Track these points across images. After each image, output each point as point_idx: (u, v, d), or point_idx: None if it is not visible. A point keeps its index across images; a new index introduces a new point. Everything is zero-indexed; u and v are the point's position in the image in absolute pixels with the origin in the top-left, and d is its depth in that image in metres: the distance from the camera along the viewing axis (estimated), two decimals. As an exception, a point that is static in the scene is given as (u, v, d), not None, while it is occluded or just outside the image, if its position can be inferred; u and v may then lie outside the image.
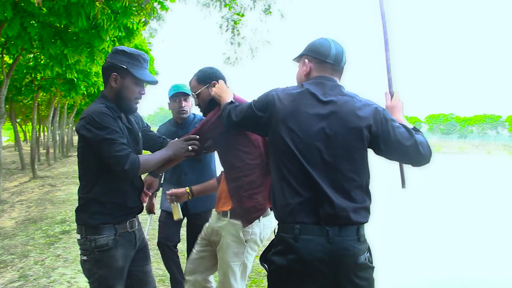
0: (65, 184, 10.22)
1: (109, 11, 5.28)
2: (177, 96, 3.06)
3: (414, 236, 8.60)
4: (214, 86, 2.27)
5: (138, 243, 2.15)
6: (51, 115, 15.73)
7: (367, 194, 1.72)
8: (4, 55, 7.57)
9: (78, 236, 2.02)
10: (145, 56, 2.08)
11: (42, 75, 10.60)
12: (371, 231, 1.83)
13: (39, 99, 14.61)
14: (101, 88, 12.27)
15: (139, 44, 17.96)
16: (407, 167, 1.95)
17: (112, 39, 6.53)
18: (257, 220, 2.19)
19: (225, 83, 2.33)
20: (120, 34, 6.36)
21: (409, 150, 1.72)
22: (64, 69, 7.31)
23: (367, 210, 1.69)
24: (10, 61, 8.18)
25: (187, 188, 2.59)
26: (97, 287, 1.99)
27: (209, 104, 2.29)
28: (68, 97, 13.08)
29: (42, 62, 9.04)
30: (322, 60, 1.80)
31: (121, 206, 2.03)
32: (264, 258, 1.77)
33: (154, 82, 2.08)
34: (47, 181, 10.78)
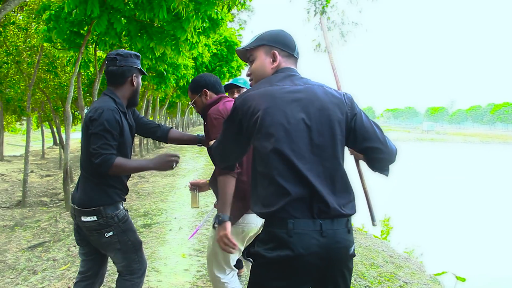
0: (153, 175, 10.21)
1: (190, 1, 5.12)
2: (230, 88, 3.13)
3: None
4: (205, 94, 2.48)
5: None
6: (144, 108, 16.56)
7: (351, 184, 1.73)
8: (97, 51, 7.88)
9: (92, 218, 2.23)
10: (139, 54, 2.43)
11: (134, 69, 11.03)
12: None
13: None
14: (189, 81, 12.46)
15: (228, 36, 18.03)
16: (375, 202, 1.93)
17: (197, 30, 6.41)
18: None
19: (216, 87, 2.50)
20: (204, 25, 6.23)
21: (377, 137, 1.74)
22: (154, 62, 7.46)
23: (354, 201, 1.71)
24: (104, 56, 8.56)
25: (208, 179, 2.65)
26: (132, 250, 2.37)
27: (205, 110, 2.47)
28: (160, 90, 13.55)
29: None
30: (290, 53, 1.85)
31: (123, 188, 2.40)
32: (248, 253, 1.74)
33: (144, 73, 2.46)
34: (137, 172, 11.15)
